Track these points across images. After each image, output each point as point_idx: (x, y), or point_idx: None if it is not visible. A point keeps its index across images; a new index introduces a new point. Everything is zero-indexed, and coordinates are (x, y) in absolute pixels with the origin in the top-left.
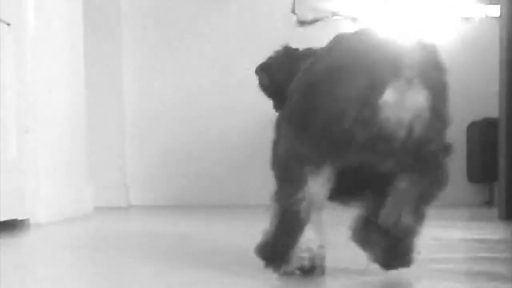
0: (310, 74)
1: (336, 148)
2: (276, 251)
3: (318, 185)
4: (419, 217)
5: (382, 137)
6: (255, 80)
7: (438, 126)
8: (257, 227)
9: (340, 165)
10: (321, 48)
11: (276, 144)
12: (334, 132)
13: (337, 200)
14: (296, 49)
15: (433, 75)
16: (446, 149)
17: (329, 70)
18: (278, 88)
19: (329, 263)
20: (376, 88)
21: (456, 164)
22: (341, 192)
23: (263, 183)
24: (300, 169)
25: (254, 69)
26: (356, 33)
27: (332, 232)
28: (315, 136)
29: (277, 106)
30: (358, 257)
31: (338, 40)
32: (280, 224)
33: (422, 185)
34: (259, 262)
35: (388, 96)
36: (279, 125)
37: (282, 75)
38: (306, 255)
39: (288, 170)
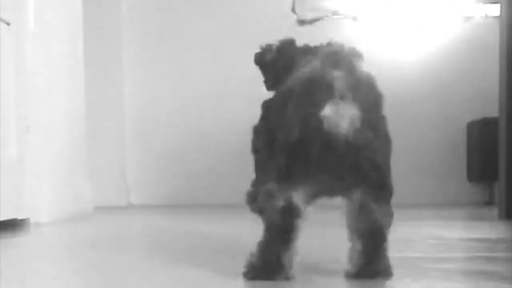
0: (270, 101)
1: (300, 164)
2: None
3: (298, 197)
4: (387, 225)
5: (327, 141)
6: (254, 80)
7: (369, 135)
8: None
9: (309, 182)
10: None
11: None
12: (290, 144)
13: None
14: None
15: (363, 91)
16: (383, 157)
17: (283, 95)
18: (275, 72)
19: (329, 264)
20: (317, 105)
21: (456, 164)
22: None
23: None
24: (284, 188)
25: (255, 70)
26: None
27: (331, 232)
28: (283, 153)
29: (269, 86)
30: None
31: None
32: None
33: (367, 189)
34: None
35: (327, 110)
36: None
37: (282, 62)
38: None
39: (270, 191)
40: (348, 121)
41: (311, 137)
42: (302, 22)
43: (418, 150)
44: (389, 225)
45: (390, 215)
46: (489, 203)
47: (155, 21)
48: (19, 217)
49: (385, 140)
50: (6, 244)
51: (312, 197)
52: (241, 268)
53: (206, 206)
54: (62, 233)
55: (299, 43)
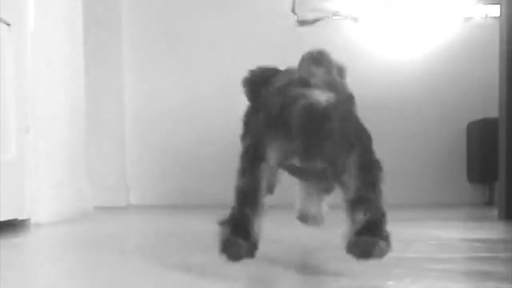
0: (248, 109)
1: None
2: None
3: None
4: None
5: (309, 109)
6: None
7: (346, 108)
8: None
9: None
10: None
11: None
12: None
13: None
14: (272, 69)
15: (338, 87)
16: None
17: (265, 98)
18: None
19: (329, 263)
20: (296, 97)
21: (456, 164)
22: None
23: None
24: (255, 164)
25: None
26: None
27: (331, 232)
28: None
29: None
30: None
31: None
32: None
33: (357, 172)
34: (258, 263)
35: (310, 96)
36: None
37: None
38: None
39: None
40: (326, 99)
41: (294, 110)
42: (302, 23)
43: (418, 151)
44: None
45: (380, 171)
46: (489, 203)
47: (155, 21)
48: (20, 218)
49: (362, 128)
50: (7, 245)
51: (285, 161)
52: (241, 267)
53: (206, 206)
54: (62, 233)
55: (300, 43)
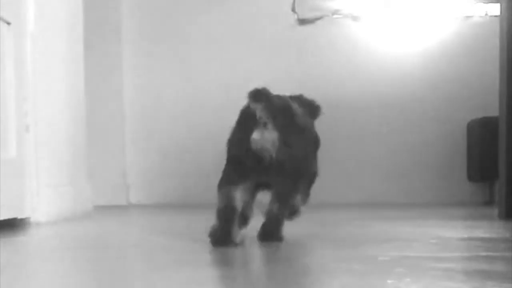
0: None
1: (239, 171)
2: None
3: (238, 193)
4: (285, 207)
5: (258, 158)
6: (255, 79)
7: (287, 151)
8: (256, 227)
9: (249, 183)
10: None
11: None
12: (237, 159)
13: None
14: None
15: (281, 120)
16: (299, 164)
17: (233, 130)
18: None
19: (329, 262)
20: (248, 133)
21: (456, 163)
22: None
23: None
24: (227, 185)
25: (255, 68)
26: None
27: (332, 232)
28: (230, 163)
29: None
30: (358, 256)
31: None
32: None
33: (282, 188)
34: (258, 263)
35: (254, 135)
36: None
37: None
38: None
39: (219, 188)
40: (271, 143)
41: (245, 154)
42: (302, 22)
43: (418, 150)
44: (304, 203)
45: (307, 196)
46: (489, 202)
47: (156, 21)
48: (20, 217)
49: (300, 150)
50: (6, 244)
51: (252, 190)
52: (240, 267)
53: (206, 206)
54: (62, 232)
55: (300, 43)
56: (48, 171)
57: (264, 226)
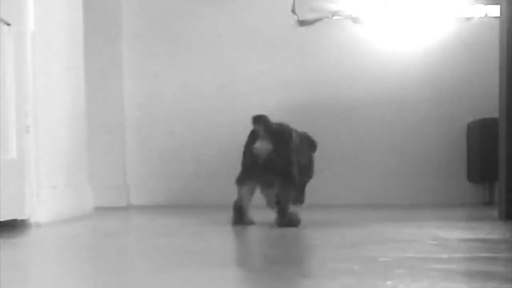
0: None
1: (249, 170)
2: (238, 215)
3: (245, 191)
4: (286, 200)
5: (258, 163)
6: (255, 80)
7: (280, 158)
8: (256, 227)
9: (257, 179)
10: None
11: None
12: (248, 162)
13: (263, 192)
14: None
15: (274, 135)
16: (288, 172)
17: (247, 142)
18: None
19: (329, 263)
20: (253, 143)
21: (456, 164)
22: (263, 189)
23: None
24: (240, 182)
25: (255, 70)
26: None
27: (332, 232)
28: (244, 165)
29: None
30: (358, 257)
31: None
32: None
33: (280, 185)
34: (258, 263)
35: (256, 144)
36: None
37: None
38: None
39: (237, 182)
40: (266, 150)
41: (251, 157)
42: (302, 23)
43: (418, 151)
44: (290, 198)
45: (291, 193)
46: (489, 203)
47: (156, 21)
48: (20, 218)
49: (289, 160)
50: (6, 245)
51: (256, 187)
52: (240, 268)
53: (206, 207)
54: (62, 233)
55: (300, 43)
56: (48, 172)
57: (278, 215)
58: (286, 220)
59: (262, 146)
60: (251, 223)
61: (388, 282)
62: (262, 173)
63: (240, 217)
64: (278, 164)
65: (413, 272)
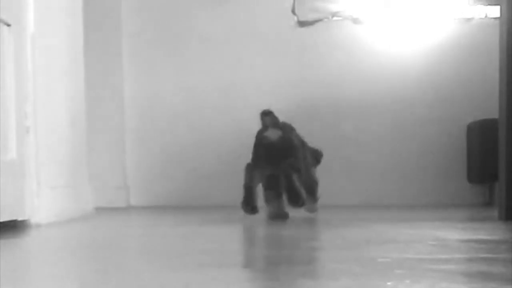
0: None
1: (261, 157)
2: (248, 204)
3: (255, 174)
4: (296, 181)
5: (270, 148)
6: (255, 80)
7: (288, 144)
8: (256, 227)
9: (266, 168)
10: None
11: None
12: (259, 150)
13: (266, 190)
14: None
15: (282, 126)
16: (296, 156)
17: (257, 134)
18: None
19: (329, 264)
20: (263, 133)
21: (456, 165)
22: (267, 188)
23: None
24: (250, 167)
25: (255, 70)
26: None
27: (332, 232)
28: (254, 153)
29: None
30: (358, 257)
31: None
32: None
33: (293, 168)
34: (258, 263)
35: (267, 132)
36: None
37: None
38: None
39: (246, 168)
40: (276, 136)
41: (262, 144)
42: (302, 23)
43: (418, 152)
44: (295, 179)
45: (302, 176)
46: (489, 204)
47: (156, 21)
48: (20, 218)
49: (296, 145)
50: (7, 245)
51: (263, 176)
52: (240, 268)
53: (206, 207)
54: (62, 234)
55: (300, 44)
56: (48, 172)
57: (289, 193)
58: (298, 198)
59: (272, 132)
60: (257, 211)
61: (388, 283)
62: (271, 162)
63: (250, 197)
64: (286, 150)
65: (413, 272)
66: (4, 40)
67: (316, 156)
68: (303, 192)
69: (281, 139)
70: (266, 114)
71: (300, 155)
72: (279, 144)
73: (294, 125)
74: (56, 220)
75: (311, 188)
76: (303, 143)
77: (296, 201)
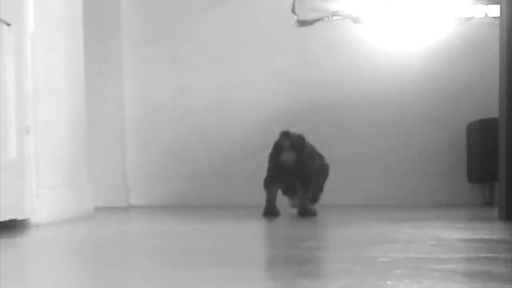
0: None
1: (276, 175)
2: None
3: (272, 191)
4: (306, 197)
5: (285, 169)
6: (255, 80)
7: (301, 166)
8: (256, 227)
9: (282, 182)
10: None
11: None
12: (275, 169)
13: (285, 194)
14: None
15: (297, 148)
16: (308, 176)
17: (271, 153)
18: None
19: (329, 263)
20: (279, 153)
21: (456, 165)
22: (286, 191)
23: (262, 183)
24: (269, 185)
25: (255, 70)
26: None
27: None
28: (271, 171)
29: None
30: (358, 257)
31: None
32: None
33: (301, 187)
34: (258, 264)
35: (283, 156)
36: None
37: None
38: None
39: (265, 185)
40: (292, 160)
41: (278, 165)
42: (302, 23)
43: (418, 151)
44: (308, 196)
45: (309, 192)
46: (489, 203)
47: (156, 21)
48: (20, 218)
49: (308, 167)
50: (6, 245)
51: (279, 189)
52: (240, 268)
53: (206, 207)
54: (62, 234)
55: (300, 43)
56: (48, 172)
57: (300, 208)
58: (306, 212)
59: (288, 157)
60: (279, 214)
61: (388, 282)
62: (286, 179)
63: (272, 208)
64: (299, 171)
65: (413, 272)
66: (4, 40)
67: (325, 172)
68: (312, 208)
69: (296, 164)
70: (284, 136)
71: (312, 177)
72: (293, 169)
73: (294, 125)
74: (56, 220)
75: (315, 198)
76: (313, 156)
77: (304, 214)
